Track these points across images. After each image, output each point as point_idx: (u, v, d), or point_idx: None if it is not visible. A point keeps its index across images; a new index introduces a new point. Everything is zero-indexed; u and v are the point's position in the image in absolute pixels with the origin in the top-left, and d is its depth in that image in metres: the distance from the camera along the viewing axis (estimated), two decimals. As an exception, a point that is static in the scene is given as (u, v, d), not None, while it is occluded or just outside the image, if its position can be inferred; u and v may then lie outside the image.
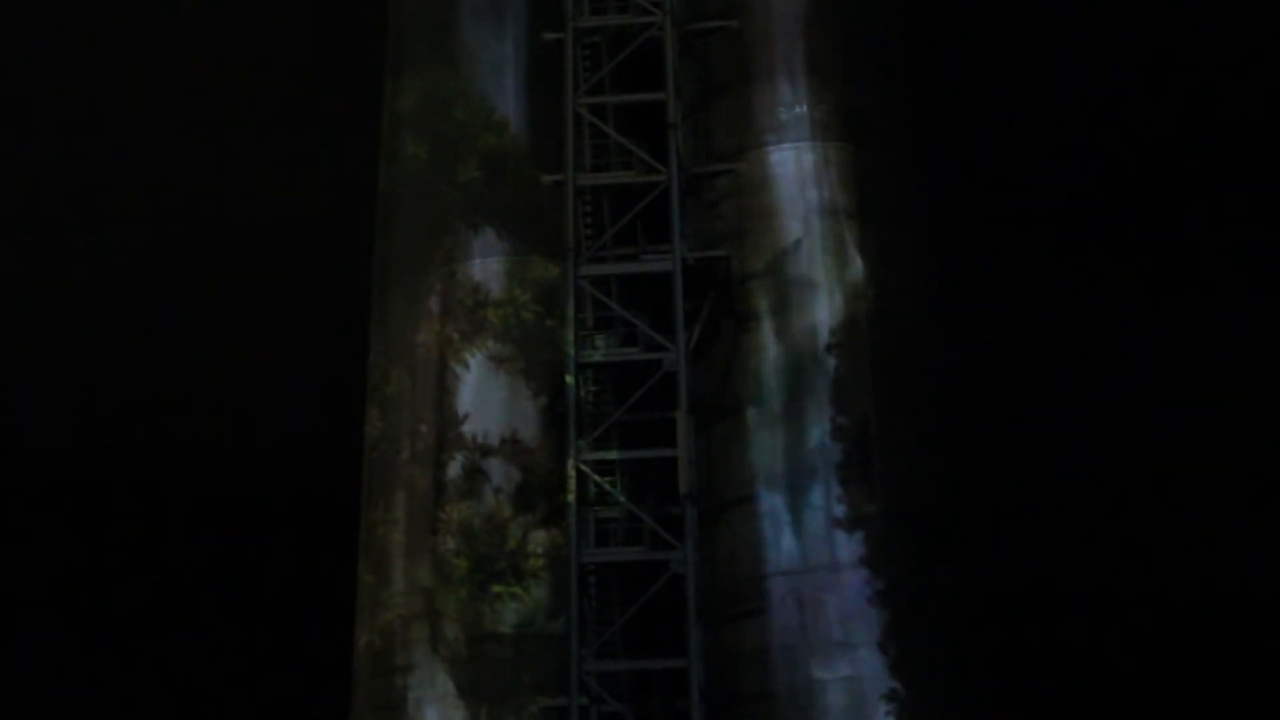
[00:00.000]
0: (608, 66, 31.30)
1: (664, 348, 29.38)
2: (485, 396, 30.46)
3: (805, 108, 30.55)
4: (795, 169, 30.26)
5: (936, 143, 31.37)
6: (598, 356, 30.11)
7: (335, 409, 34.24)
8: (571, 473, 29.12)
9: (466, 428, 30.27)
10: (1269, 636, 33.71)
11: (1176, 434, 34.62)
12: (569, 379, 29.62)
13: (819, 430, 28.72)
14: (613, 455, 29.55)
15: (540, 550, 29.59)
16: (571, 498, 28.99)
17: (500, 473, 30.06)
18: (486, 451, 30.15)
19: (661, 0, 31.07)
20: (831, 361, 29.08)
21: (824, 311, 29.39)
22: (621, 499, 29.29)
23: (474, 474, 30.03)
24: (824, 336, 29.22)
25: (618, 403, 29.85)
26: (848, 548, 28.05)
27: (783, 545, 28.29)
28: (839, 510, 28.23)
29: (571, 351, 29.65)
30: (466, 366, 30.67)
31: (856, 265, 29.66)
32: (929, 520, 28.38)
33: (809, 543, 28.18)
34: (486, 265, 31.16)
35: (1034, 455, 33.20)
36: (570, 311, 29.79)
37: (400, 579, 29.94)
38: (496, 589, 29.33)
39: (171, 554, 42.75)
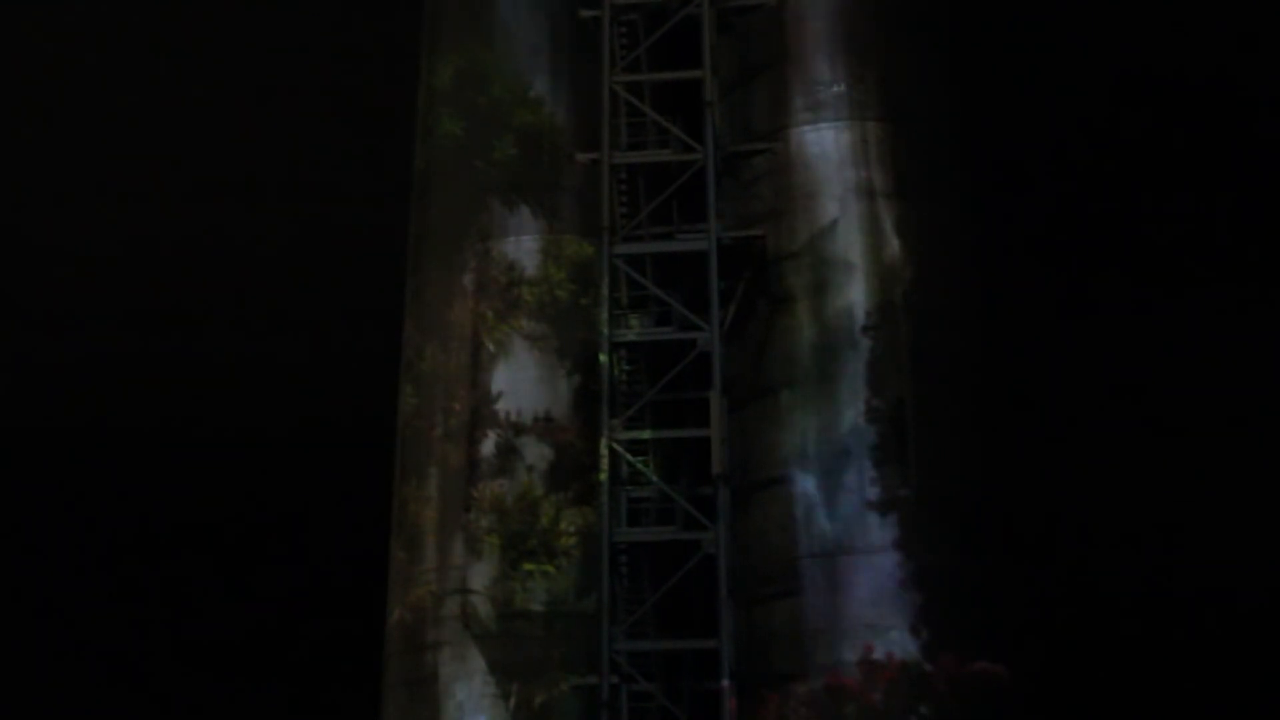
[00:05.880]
0: (645, 44, 31.12)
1: (698, 327, 29.27)
2: (519, 374, 30.46)
3: (844, 87, 30.28)
4: (833, 149, 30.00)
5: (977, 123, 31.02)
6: (632, 336, 30.02)
7: (369, 383, 34.29)
8: (604, 452, 29.11)
9: (500, 405, 30.29)
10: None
11: (1222, 427, 34.16)
12: (602, 358, 29.57)
13: (853, 412, 28.55)
14: (646, 435, 29.51)
15: (572, 529, 29.59)
16: (604, 477, 28.98)
17: (533, 451, 30.06)
18: (520, 429, 30.15)
19: (700, -22, 30.88)
20: (867, 344, 28.89)
21: (860, 293, 29.17)
22: (654, 479, 29.26)
23: (507, 452, 30.05)
24: (860, 318, 29.02)
25: (651, 382, 29.75)
26: (880, 530, 27.92)
27: (815, 527, 28.18)
28: (872, 493, 28.09)
29: (605, 330, 29.57)
30: (500, 344, 30.67)
31: (894, 247, 29.44)
32: (963, 504, 28.21)
33: (842, 525, 28.05)
34: (521, 243, 31.11)
35: (1071, 442, 32.89)
36: (605, 290, 29.69)
37: (432, 555, 30.00)
38: (528, 567, 29.36)
39: (201, 528, 43.06)
